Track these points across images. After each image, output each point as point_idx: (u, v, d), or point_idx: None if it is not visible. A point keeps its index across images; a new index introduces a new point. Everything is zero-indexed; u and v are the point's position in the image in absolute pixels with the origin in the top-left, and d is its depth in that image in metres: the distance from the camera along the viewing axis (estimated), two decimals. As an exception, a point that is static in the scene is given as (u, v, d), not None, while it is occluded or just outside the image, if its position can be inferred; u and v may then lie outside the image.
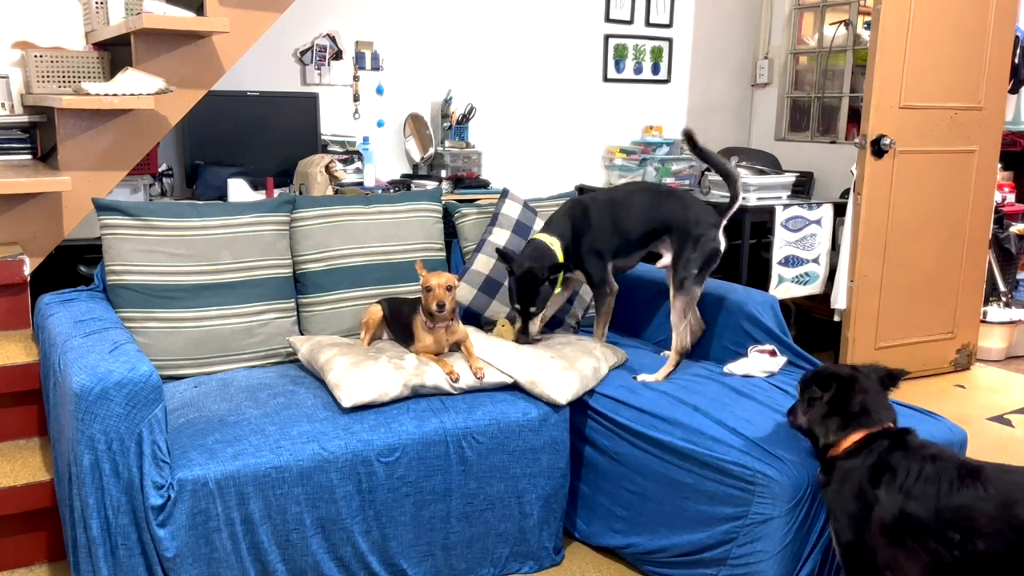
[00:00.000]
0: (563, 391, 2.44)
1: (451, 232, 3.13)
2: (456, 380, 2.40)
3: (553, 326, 3.04)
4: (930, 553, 1.73)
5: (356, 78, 4.19)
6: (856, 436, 1.94)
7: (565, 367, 2.51)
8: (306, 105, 3.92)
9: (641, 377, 2.64)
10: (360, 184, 3.92)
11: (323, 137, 4.02)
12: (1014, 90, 4.71)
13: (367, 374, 2.32)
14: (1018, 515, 1.65)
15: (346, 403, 2.27)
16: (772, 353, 2.72)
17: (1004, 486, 1.70)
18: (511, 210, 3.07)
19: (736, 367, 2.70)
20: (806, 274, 4.20)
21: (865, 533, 1.82)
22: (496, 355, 2.52)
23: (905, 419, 2.38)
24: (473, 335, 2.62)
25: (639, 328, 3.17)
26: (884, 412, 1.98)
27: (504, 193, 3.11)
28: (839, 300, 4.07)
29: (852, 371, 2.03)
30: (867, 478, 1.86)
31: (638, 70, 5.00)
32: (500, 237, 3.01)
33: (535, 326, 2.72)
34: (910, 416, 2.41)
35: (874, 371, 2.05)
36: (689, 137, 2.74)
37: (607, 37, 4.86)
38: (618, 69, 4.93)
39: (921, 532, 1.74)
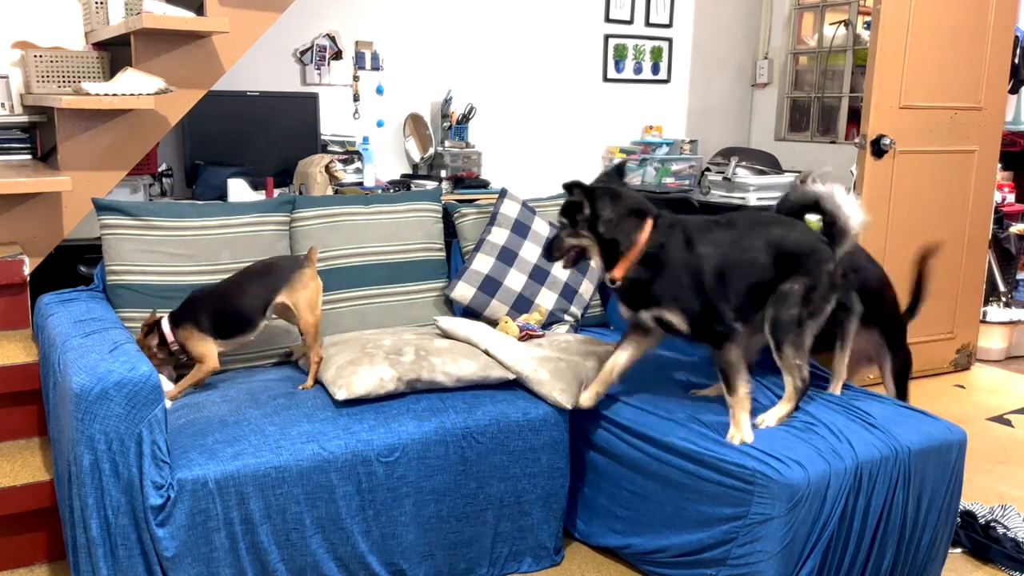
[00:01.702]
0: (569, 396, 2.44)
1: (451, 232, 3.13)
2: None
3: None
4: (742, 271, 2.27)
5: (356, 78, 4.19)
6: (648, 225, 2.28)
7: (572, 369, 2.52)
8: (306, 105, 3.92)
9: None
10: (360, 184, 3.92)
11: (323, 137, 4.02)
12: (1014, 90, 4.71)
13: (362, 370, 2.32)
14: (769, 231, 2.30)
15: (339, 396, 2.27)
16: None
17: (754, 224, 2.32)
18: (510, 209, 3.07)
19: None
20: (806, 274, 4.19)
21: (703, 292, 2.24)
22: (503, 351, 2.52)
23: (904, 419, 2.38)
24: (480, 329, 2.61)
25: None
26: (645, 203, 2.36)
27: (503, 193, 3.11)
28: (839, 300, 4.07)
29: (610, 185, 2.36)
30: (684, 247, 2.25)
31: (638, 70, 5.00)
32: (499, 236, 3.01)
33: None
34: (909, 416, 2.41)
35: (613, 172, 2.46)
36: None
37: (607, 37, 4.86)
38: (618, 69, 4.93)
39: (735, 263, 2.26)
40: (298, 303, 2.43)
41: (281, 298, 2.43)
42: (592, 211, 2.28)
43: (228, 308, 2.40)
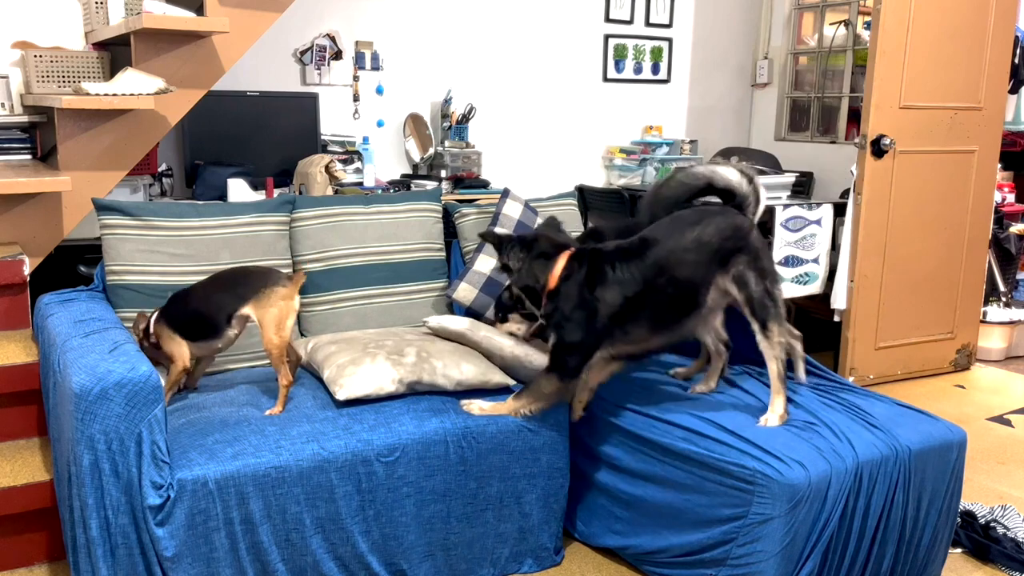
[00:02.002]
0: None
1: (451, 232, 3.13)
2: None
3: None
4: (651, 304, 2.28)
5: (356, 78, 4.19)
6: (563, 260, 2.34)
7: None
8: (306, 105, 3.92)
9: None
10: (360, 184, 3.92)
11: (323, 137, 4.02)
12: (1014, 90, 4.71)
13: (363, 370, 2.32)
14: (688, 234, 2.29)
15: (340, 396, 2.28)
16: None
17: (671, 234, 2.30)
18: (512, 210, 3.07)
19: None
20: (806, 274, 4.20)
21: (591, 327, 2.28)
22: (497, 337, 2.53)
23: (904, 419, 2.38)
24: (470, 323, 2.61)
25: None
26: (568, 240, 2.47)
27: (505, 193, 3.11)
28: (839, 300, 4.07)
29: (534, 231, 2.51)
30: (585, 287, 2.29)
31: (638, 70, 5.00)
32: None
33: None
34: (909, 416, 2.41)
35: (547, 224, 2.62)
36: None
37: (607, 37, 4.86)
38: (618, 69, 4.93)
39: (640, 295, 2.26)
40: (263, 320, 2.30)
41: (246, 310, 2.32)
42: (504, 264, 2.44)
43: (195, 311, 2.35)
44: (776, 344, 2.33)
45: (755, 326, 2.35)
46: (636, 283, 2.26)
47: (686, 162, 4.88)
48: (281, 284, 2.33)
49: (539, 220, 3.11)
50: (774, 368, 2.34)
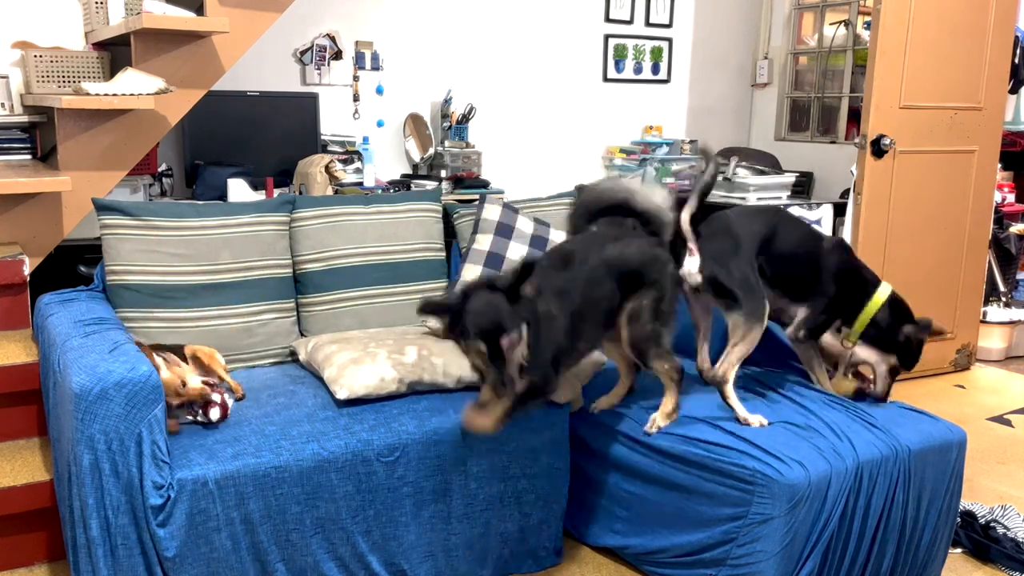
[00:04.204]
0: (566, 391, 2.45)
1: (451, 232, 3.13)
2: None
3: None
4: (591, 313, 2.19)
5: (356, 78, 4.19)
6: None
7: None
8: (306, 105, 3.92)
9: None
10: (360, 184, 3.92)
11: (323, 137, 4.02)
12: (1014, 90, 4.71)
13: (364, 369, 2.32)
14: (608, 255, 2.22)
15: (340, 396, 2.28)
16: None
17: (590, 250, 2.24)
18: (491, 214, 2.98)
19: None
20: (806, 274, 4.19)
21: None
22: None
23: (904, 419, 2.38)
24: None
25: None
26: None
27: (482, 199, 3.06)
28: (839, 300, 4.07)
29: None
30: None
31: (638, 70, 5.00)
32: (483, 243, 2.97)
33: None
34: (909, 416, 2.41)
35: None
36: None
37: (607, 37, 4.86)
38: (618, 69, 4.93)
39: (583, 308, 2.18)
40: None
41: None
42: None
43: None
44: (660, 370, 2.31)
45: (635, 358, 2.34)
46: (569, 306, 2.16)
47: (686, 162, 4.88)
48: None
49: (520, 218, 3.05)
50: (662, 378, 2.33)
